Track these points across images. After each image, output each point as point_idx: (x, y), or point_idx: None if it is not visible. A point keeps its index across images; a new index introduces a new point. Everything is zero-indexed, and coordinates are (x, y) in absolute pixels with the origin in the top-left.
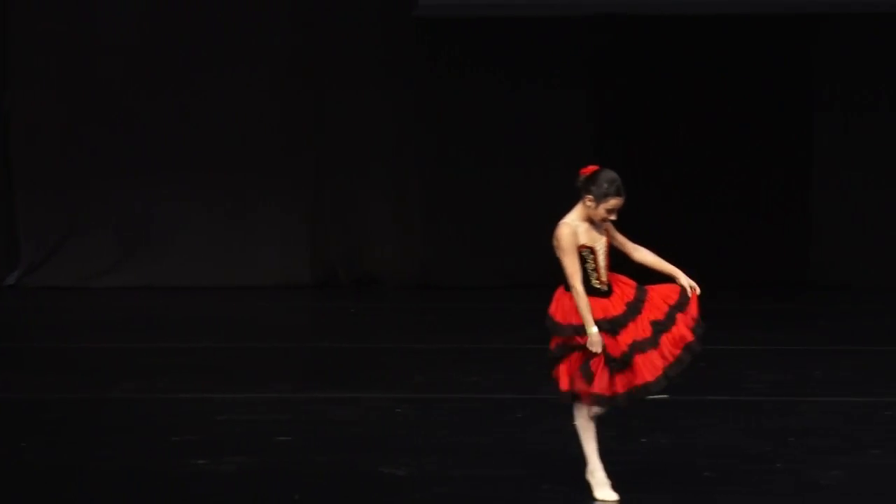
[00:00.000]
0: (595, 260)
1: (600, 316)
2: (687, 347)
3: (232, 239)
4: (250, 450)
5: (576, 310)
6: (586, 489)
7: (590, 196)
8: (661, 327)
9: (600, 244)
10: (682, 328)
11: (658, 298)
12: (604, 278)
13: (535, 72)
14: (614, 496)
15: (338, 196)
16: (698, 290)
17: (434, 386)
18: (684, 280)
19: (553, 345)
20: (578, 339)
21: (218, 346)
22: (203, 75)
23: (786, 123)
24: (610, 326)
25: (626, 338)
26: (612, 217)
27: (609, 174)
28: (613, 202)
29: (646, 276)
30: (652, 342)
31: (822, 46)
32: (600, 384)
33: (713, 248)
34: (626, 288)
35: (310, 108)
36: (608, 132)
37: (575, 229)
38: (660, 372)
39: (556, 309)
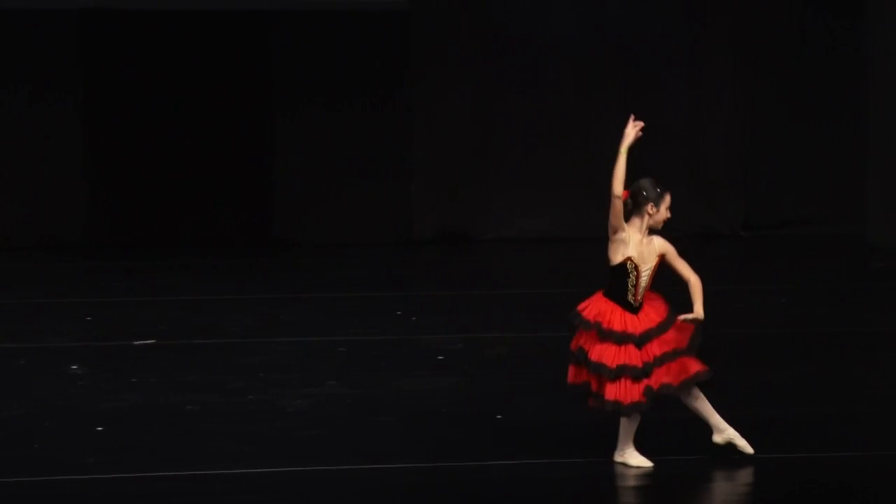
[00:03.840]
0: (637, 277)
1: (619, 329)
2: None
3: None
4: None
5: (604, 312)
6: (84, 421)
7: (650, 204)
8: (661, 360)
9: (647, 266)
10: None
11: (673, 337)
12: (639, 297)
13: (28, 58)
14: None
15: None
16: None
17: None
18: (698, 307)
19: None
20: (590, 336)
21: None
22: None
23: (251, 105)
24: (621, 339)
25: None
26: (669, 214)
27: (648, 180)
28: (668, 198)
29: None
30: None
31: (280, 38)
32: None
33: (198, 215)
34: (652, 314)
35: None
36: (96, 122)
37: (630, 235)
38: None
39: (587, 306)
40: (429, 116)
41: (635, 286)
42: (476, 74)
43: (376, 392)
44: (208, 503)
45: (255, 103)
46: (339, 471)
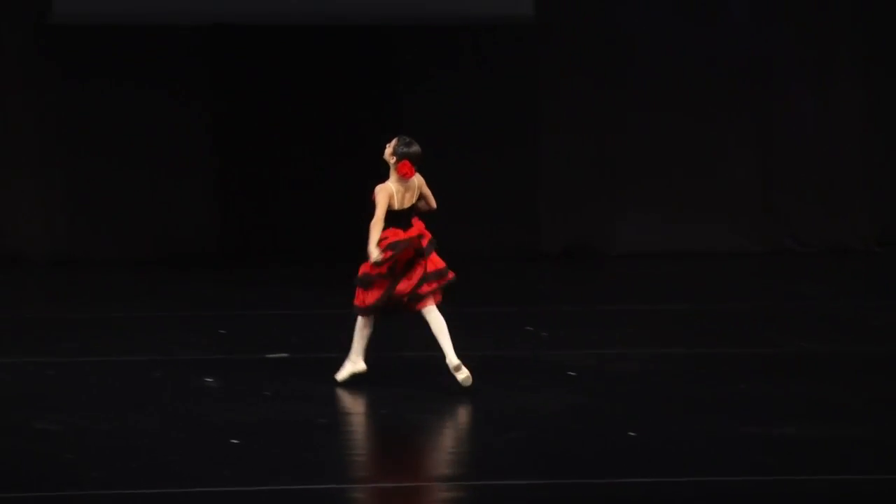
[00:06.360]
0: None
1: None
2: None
3: None
4: None
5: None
6: (218, 434)
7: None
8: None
9: (409, 201)
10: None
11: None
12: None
13: (158, 79)
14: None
15: None
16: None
17: (82, 351)
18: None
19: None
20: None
21: None
22: None
23: (376, 117)
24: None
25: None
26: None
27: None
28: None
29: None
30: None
31: (405, 53)
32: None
33: (329, 226)
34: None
35: None
36: (227, 136)
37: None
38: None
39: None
40: (556, 129)
41: (406, 217)
42: (603, 87)
43: (506, 408)
44: None
45: (381, 115)
46: (464, 486)
